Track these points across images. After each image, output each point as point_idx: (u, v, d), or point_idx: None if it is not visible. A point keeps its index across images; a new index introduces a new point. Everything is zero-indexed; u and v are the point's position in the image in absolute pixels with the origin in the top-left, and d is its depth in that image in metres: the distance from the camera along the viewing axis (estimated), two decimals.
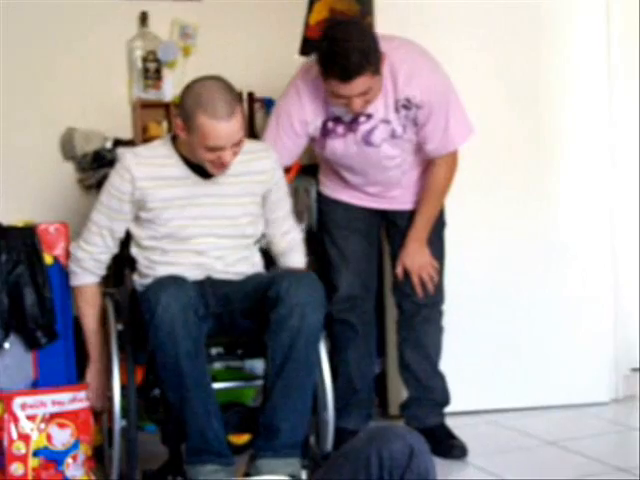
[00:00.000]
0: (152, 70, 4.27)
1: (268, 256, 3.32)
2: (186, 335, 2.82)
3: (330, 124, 3.36)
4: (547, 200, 4.08)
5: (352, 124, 3.34)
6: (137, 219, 3.10)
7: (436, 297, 3.61)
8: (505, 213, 4.02)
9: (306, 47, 4.42)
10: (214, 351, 3.22)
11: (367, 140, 3.36)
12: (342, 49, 3.09)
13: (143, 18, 4.28)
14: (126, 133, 4.22)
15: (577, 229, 4.09)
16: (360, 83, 3.12)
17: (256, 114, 4.31)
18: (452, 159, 3.47)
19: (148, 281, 3.02)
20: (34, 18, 4.17)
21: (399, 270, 3.55)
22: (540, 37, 4.03)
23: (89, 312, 3.18)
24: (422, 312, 3.60)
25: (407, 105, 3.30)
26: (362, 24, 3.19)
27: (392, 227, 3.63)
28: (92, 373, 3.21)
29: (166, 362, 2.85)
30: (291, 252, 3.33)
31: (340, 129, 3.36)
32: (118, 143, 4.07)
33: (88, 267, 3.14)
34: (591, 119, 4.10)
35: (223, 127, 2.90)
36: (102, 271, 3.17)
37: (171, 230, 3.06)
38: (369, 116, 3.32)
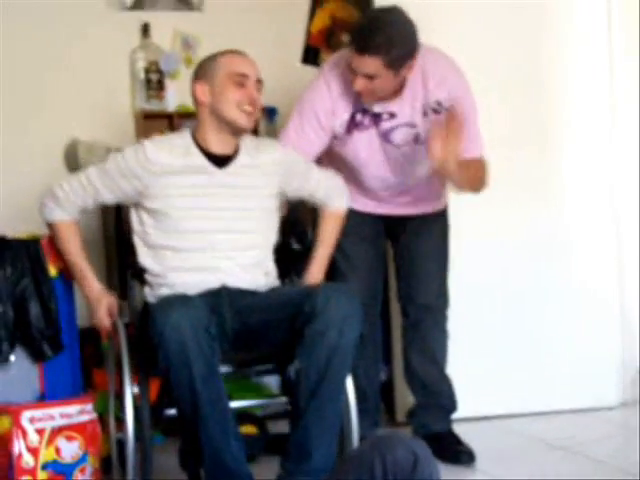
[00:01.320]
0: (154, 81, 4.27)
1: (282, 266, 3.23)
2: (198, 355, 2.68)
3: (359, 116, 3.34)
4: (550, 202, 4.08)
5: (375, 118, 3.33)
6: (139, 207, 3.05)
7: (440, 301, 3.62)
8: (509, 217, 4.02)
9: (308, 55, 4.43)
10: (223, 369, 2.95)
11: (386, 137, 3.36)
12: (375, 24, 3.13)
13: (145, 29, 4.29)
14: (129, 144, 4.21)
15: (582, 232, 4.09)
16: (370, 63, 3.12)
17: (259, 122, 4.30)
18: (484, 165, 3.39)
19: (161, 292, 2.98)
20: (36, 29, 4.18)
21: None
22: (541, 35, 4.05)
23: (67, 247, 3.09)
24: (427, 316, 3.61)
25: (437, 109, 3.29)
26: (410, 21, 3.17)
27: (400, 231, 3.62)
28: (93, 291, 3.09)
29: (179, 384, 2.71)
30: (330, 199, 3.29)
31: (366, 121, 3.34)
32: None
33: (63, 205, 3.07)
34: (593, 117, 4.11)
35: (245, 58, 3.05)
36: (75, 213, 3.08)
37: (182, 221, 2.99)
38: (392, 115, 3.31)
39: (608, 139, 4.13)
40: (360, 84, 3.18)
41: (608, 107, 4.12)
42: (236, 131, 3.05)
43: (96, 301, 3.07)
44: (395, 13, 3.19)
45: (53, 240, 3.13)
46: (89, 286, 3.09)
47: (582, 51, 4.08)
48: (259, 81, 3.04)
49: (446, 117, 3.19)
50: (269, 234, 3.15)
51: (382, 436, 2.16)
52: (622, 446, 3.70)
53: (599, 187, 4.12)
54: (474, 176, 3.34)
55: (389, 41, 3.10)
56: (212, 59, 3.07)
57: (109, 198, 3.07)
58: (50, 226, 3.12)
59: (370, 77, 3.16)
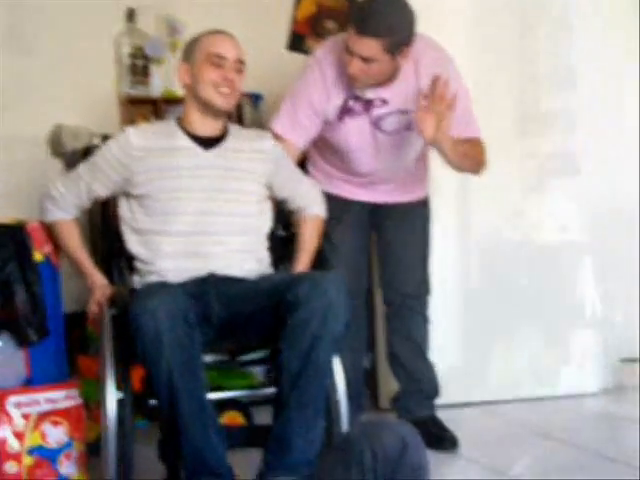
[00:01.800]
0: (139, 66, 4.27)
1: (276, 254, 3.20)
2: (174, 344, 2.60)
3: (350, 102, 3.33)
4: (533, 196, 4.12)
5: (367, 104, 3.33)
6: (129, 196, 3.03)
7: (422, 289, 3.65)
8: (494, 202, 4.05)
9: (294, 42, 4.43)
10: (208, 358, 2.88)
11: (377, 124, 3.36)
12: (377, 6, 3.12)
13: (130, 14, 4.29)
14: (114, 129, 4.21)
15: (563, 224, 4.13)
16: (368, 45, 3.11)
17: (244, 108, 4.32)
18: (480, 144, 3.39)
19: (149, 279, 2.95)
20: (21, 14, 4.17)
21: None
22: None
23: (67, 244, 3.11)
24: (409, 303, 3.63)
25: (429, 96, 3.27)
26: (410, 7, 3.15)
27: (384, 219, 3.63)
28: (91, 282, 3.09)
29: (156, 374, 2.63)
30: (310, 205, 3.27)
31: (358, 107, 3.34)
32: (106, 139, 4.05)
33: (60, 205, 3.08)
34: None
35: (226, 38, 3.02)
36: (74, 211, 3.10)
37: (168, 202, 2.97)
38: (384, 101, 3.32)
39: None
40: (355, 66, 3.16)
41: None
42: (215, 113, 3.03)
43: (91, 290, 3.08)
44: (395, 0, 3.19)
45: (52, 236, 3.14)
46: (89, 277, 3.10)
47: None
48: (240, 61, 3.01)
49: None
50: (261, 219, 3.12)
51: (370, 423, 2.18)
52: (603, 432, 3.74)
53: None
54: (470, 152, 3.32)
55: (390, 24, 3.10)
56: (195, 40, 3.07)
57: (102, 191, 3.06)
58: (50, 226, 3.13)
59: (366, 60, 3.14)
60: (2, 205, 3.64)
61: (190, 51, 3.05)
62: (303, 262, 3.24)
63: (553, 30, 4.15)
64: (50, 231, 3.14)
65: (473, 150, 3.35)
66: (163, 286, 2.77)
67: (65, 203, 3.08)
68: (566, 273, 4.12)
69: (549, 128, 4.17)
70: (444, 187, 3.83)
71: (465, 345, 3.99)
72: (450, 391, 3.80)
